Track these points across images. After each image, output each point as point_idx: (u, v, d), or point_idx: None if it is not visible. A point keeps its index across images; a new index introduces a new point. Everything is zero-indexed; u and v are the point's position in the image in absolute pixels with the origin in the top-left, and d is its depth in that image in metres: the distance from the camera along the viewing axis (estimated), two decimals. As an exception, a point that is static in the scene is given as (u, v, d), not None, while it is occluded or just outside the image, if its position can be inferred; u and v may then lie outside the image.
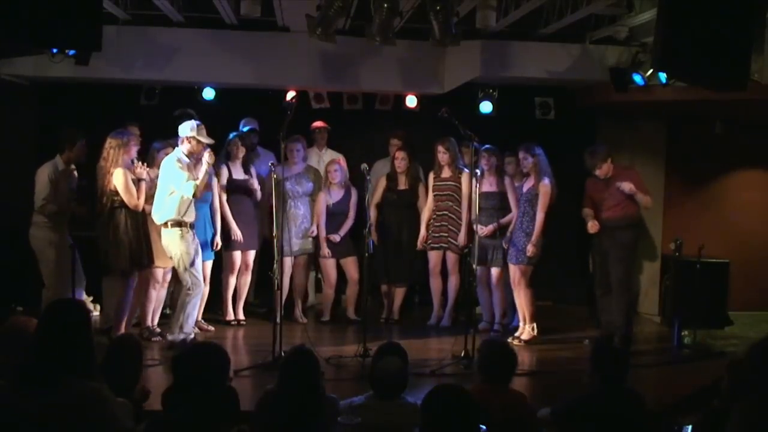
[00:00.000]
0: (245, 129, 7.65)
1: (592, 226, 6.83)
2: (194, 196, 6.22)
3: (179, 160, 6.24)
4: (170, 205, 6.23)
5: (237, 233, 7.13)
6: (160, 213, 6.28)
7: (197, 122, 6.39)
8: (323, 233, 7.58)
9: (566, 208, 7.51)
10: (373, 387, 3.93)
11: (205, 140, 6.34)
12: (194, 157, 6.32)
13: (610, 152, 6.90)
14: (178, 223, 6.23)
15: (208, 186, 6.51)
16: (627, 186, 6.66)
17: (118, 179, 6.23)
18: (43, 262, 6.64)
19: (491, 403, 3.58)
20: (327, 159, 8.04)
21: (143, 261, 6.41)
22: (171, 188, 6.22)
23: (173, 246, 6.25)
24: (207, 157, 6.30)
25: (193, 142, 6.30)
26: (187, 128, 6.32)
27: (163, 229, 6.29)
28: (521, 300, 6.98)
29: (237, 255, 7.26)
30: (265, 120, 7.99)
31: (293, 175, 7.43)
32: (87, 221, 6.78)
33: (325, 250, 7.58)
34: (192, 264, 6.26)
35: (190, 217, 6.29)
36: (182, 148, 6.32)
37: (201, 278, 6.38)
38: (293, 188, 7.42)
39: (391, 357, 4.00)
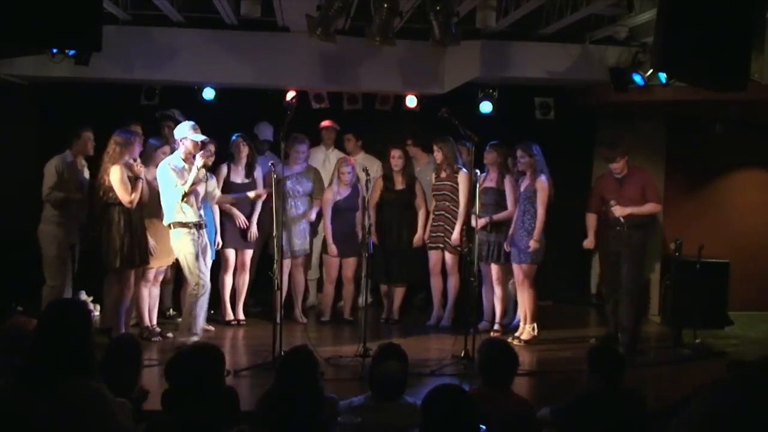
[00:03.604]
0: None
1: (588, 244, 6.94)
2: (183, 200, 6.20)
3: (173, 166, 6.24)
4: (171, 208, 6.25)
5: (241, 217, 7.15)
6: (167, 216, 6.31)
7: (192, 123, 6.39)
8: (329, 232, 7.58)
9: (566, 207, 7.50)
10: (373, 389, 3.93)
11: (198, 138, 6.34)
12: (192, 158, 6.32)
13: (627, 149, 6.95)
14: (182, 224, 6.24)
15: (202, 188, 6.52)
16: (617, 210, 6.69)
17: (114, 175, 6.25)
18: (45, 258, 6.67)
19: (493, 407, 3.58)
20: (333, 158, 8.03)
21: (135, 259, 6.40)
22: (169, 193, 6.24)
23: (178, 246, 6.26)
24: (198, 161, 6.27)
25: (189, 143, 6.30)
26: (184, 129, 6.33)
27: (170, 230, 6.31)
28: (524, 300, 6.98)
29: (230, 253, 7.26)
30: (265, 120, 8.01)
31: (293, 174, 7.42)
32: (88, 220, 6.79)
33: (333, 249, 7.58)
34: (196, 264, 6.24)
35: (193, 217, 6.28)
36: (180, 151, 6.34)
37: (206, 279, 6.34)
38: (294, 187, 7.41)
39: (391, 361, 3.99)
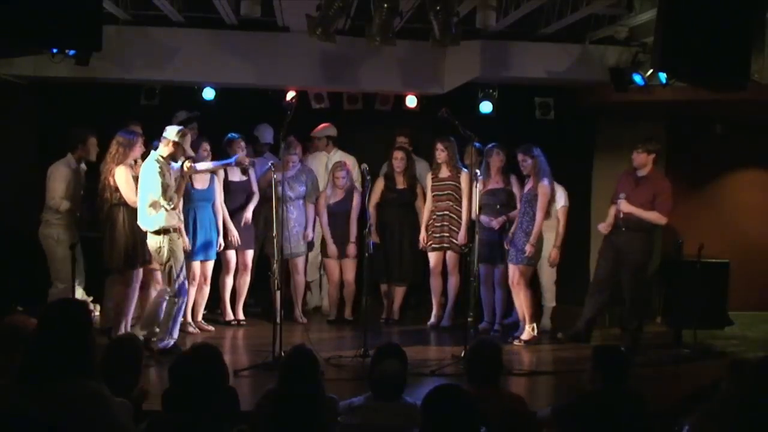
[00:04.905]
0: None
1: (604, 228, 6.91)
2: (174, 208, 6.09)
3: (160, 167, 6.04)
4: (159, 214, 6.07)
5: (234, 233, 7.14)
6: (148, 220, 6.11)
7: (183, 128, 6.28)
8: (328, 233, 7.60)
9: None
10: (372, 388, 3.93)
11: (188, 151, 6.29)
12: (172, 159, 6.18)
13: (658, 150, 6.96)
14: (166, 230, 6.08)
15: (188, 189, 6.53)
16: (623, 204, 6.72)
17: (120, 176, 6.25)
18: (52, 260, 6.65)
19: (482, 406, 3.57)
20: (335, 161, 8.02)
21: (138, 260, 6.38)
22: (151, 197, 6.03)
23: (162, 251, 6.08)
24: (185, 165, 6.19)
25: (174, 148, 6.15)
26: (174, 132, 6.17)
27: (152, 235, 6.12)
28: (520, 300, 6.98)
29: (231, 254, 7.26)
30: (264, 120, 8.00)
31: (286, 178, 7.38)
32: (89, 221, 6.80)
33: (332, 248, 7.59)
34: (179, 269, 6.12)
35: (177, 221, 6.19)
36: (162, 151, 6.15)
37: (186, 284, 6.23)
38: (285, 193, 7.36)
39: (390, 360, 3.99)
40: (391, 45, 6.50)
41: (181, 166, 6.25)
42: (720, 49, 5.12)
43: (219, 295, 7.38)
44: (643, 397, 4.01)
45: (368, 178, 6.70)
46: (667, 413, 4.92)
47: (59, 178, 6.67)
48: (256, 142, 7.85)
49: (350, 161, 7.91)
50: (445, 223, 7.49)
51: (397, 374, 3.90)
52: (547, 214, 6.90)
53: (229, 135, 7.26)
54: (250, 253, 7.40)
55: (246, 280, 7.43)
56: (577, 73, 7.81)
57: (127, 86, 8.00)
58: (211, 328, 7.19)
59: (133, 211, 6.31)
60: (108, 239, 6.36)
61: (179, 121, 7.53)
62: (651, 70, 7.03)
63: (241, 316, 7.47)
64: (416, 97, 8.47)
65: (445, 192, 7.51)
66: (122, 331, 6.35)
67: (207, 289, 7.16)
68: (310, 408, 3.45)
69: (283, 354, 5.56)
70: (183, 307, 6.25)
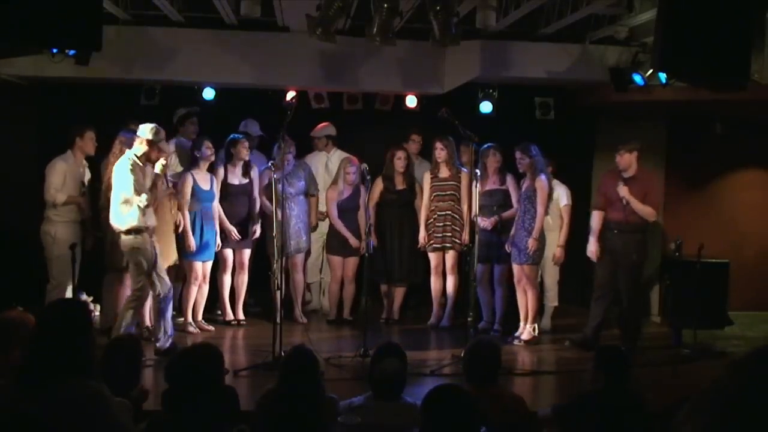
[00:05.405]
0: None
1: (592, 254, 6.88)
2: (148, 206, 5.99)
3: (132, 165, 5.96)
4: (132, 213, 5.96)
5: (233, 232, 7.15)
6: (121, 219, 5.99)
7: (157, 126, 6.16)
8: (344, 228, 7.58)
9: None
10: (372, 387, 3.93)
11: (164, 148, 6.29)
12: (147, 158, 6.10)
13: (639, 148, 6.91)
14: (138, 230, 5.96)
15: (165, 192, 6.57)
16: (623, 190, 6.69)
17: None
18: (48, 258, 6.70)
19: (482, 406, 3.57)
20: (335, 160, 8.00)
21: None
22: (124, 196, 5.95)
23: (137, 252, 5.98)
24: (160, 164, 6.12)
25: (149, 146, 6.06)
26: (147, 130, 6.08)
27: (123, 235, 6.00)
28: (526, 300, 6.97)
29: (228, 253, 7.27)
30: (264, 120, 8.00)
31: (284, 175, 7.38)
32: (91, 221, 6.82)
33: (354, 240, 7.55)
34: (156, 268, 6.05)
35: (152, 222, 6.11)
36: (136, 149, 6.07)
37: (168, 280, 6.19)
38: (285, 189, 7.36)
39: (390, 358, 4.00)
40: (391, 45, 6.50)
41: (158, 167, 6.13)
42: (720, 49, 5.11)
43: (218, 294, 7.38)
44: (643, 397, 4.01)
45: (368, 178, 6.70)
46: (667, 413, 4.93)
47: (55, 172, 6.70)
48: (249, 137, 7.82)
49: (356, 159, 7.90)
50: (448, 223, 7.48)
51: (397, 374, 3.91)
52: (546, 210, 6.90)
53: (233, 135, 7.26)
54: (247, 252, 7.40)
55: (244, 279, 7.43)
56: (577, 73, 7.80)
57: (127, 86, 8.00)
58: (211, 328, 7.20)
59: None
60: (110, 239, 6.37)
61: (179, 116, 7.55)
62: (651, 70, 7.03)
63: (241, 315, 7.47)
64: (416, 97, 8.47)
65: (447, 192, 7.50)
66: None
67: (206, 288, 7.17)
68: (310, 408, 3.45)
69: (283, 354, 5.56)
70: (170, 306, 6.23)
